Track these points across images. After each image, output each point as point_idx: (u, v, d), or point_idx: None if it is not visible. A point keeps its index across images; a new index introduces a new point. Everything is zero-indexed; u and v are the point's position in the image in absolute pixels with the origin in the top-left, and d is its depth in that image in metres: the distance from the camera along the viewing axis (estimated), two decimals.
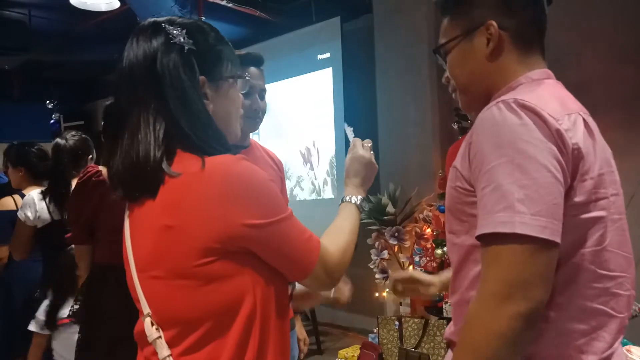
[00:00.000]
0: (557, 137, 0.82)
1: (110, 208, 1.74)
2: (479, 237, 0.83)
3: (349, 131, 1.45)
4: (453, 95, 1.10)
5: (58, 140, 2.60)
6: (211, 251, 0.85)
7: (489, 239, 0.82)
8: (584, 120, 0.90)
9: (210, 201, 0.85)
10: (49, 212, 2.54)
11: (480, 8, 0.98)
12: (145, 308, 0.90)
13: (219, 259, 0.86)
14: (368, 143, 1.31)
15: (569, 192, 0.84)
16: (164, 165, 0.88)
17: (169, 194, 0.88)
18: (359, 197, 1.21)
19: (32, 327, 2.41)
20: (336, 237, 1.06)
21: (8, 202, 2.76)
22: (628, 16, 3.14)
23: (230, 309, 0.87)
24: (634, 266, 0.95)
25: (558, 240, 0.79)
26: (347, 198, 1.21)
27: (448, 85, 1.10)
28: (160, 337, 0.88)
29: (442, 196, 3.36)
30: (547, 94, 0.91)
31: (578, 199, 0.84)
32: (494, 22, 0.96)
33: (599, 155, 0.89)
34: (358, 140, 1.33)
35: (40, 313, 2.38)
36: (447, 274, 1.31)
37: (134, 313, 1.66)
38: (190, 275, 0.86)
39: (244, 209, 0.86)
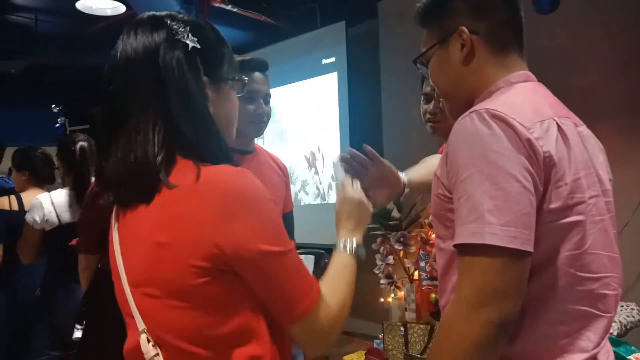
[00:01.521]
0: (527, 147, 0.83)
1: None
2: (456, 246, 0.85)
3: (339, 168, 1.30)
4: (440, 104, 1.13)
5: (81, 143, 2.59)
6: (206, 271, 0.78)
7: (462, 249, 0.84)
8: (558, 125, 0.90)
9: (204, 217, 0.78)
10: (57, 216, 2.55)
11: (451, 16, 1.02)
12: (140, 324, 0.84)
13: (215, 279, 0.79)
14: (357, 183, 1.21)
15: (543, 199, 0.85)
16: (162, 174, 0.81)
17: (163, 207, 0.81)
18: (354, 240, 1.09)
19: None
20: (334, 289, 0.92)
21: (3, 202, 2.77)
22: (633, 22, 3.12)
23: (233, 337, 0.81)
24: (620, 265, 0.97)
25: (529, 249, 0.81)
26: (341, 245, 1.07)
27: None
28: (158, 354, 0.82)
29: None
30: (522, 100, 0.93)
31: (554, 205, 0.85)
32: (464, 28, 0.99)
33: (575, 159, 0.90)
34: (347, 179, 1.23)
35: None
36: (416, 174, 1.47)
37: None
38: (187, 295, 0.79)
39: (242, 229, 0.78)
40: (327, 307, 0.87)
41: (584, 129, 1.01)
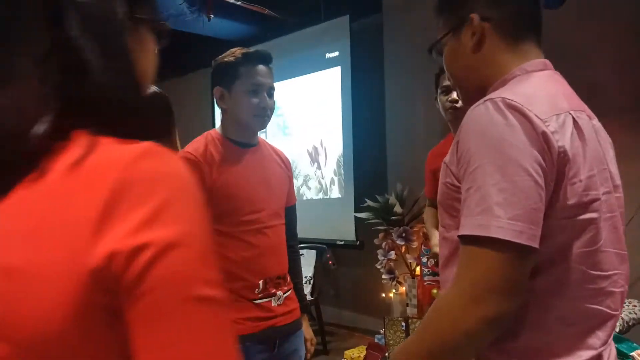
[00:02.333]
0: (542, 140, 0.82)
1: None
2: (459, 237, 0.84)
3: None
4: (454, 94, 1.11)
5: None
6: (78, 311, 0.47)
7: (467, 239, 0.83)
8: (574, 119, 0.89)
9: (80, 224, 0.47)
10: None
11: (464, 3, 1.01)
12: None
13: (89, 324, 0.48)
14: None
15: (555, 195, 0.84)
16: (36, 152, 0.49)
17: (24, 212, 0.49)
18: None
19: None
20: None
21: None
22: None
23: None
24: (627, 262, 0.96)
25: (534, 245, 0.79)
26: None
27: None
28: None
29: None
30: (538, 90, 0.91)
31: (570, 201, 0.84)
32: (476, 15, 0.98)
33: (589, 155, 0.89)
34: None
35: None
36: None
37: None
38: (57, 351, 0.48)
39: (144, 226, 0.47)
40: None
41: (596, 122, 1.00)
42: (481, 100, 0.88)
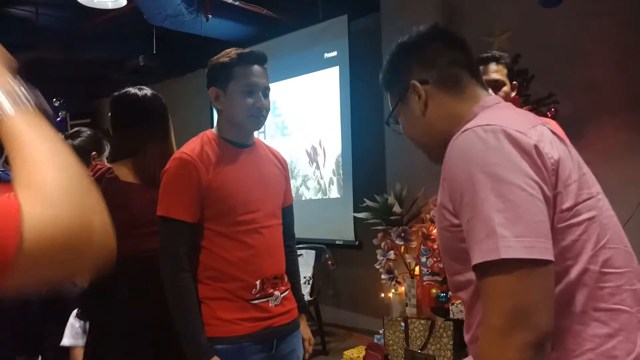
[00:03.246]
0: (533, 153, 0.82)
1: (124, 205, 1.73)
2: (474, 269, 0.82)
3: None
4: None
5: (73, 143, 2.51)
6: None
7: (482, 271, 0.81)
8: (549, 128, 0.91)
9: None
10: None
11: (402, 74, 1.08)
12: None
13: None
14: None
15: (556, 200, 0.84)
16: None
17: None
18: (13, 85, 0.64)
19: (66, 341, 2.21)
20: (40, 181, 0.51)
21: None
22: (637, 16, 3.10)
23: None
24: (635, 258, 0.95)
25: (549, 257, 0.78)
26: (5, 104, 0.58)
27: None
28: None
29: None
30: (505, 114, 0.94)
31: (566, 204, 0.84)
32: (414, 81, 1.04)
33: (576, 156, 0.91)
34: None
35: (71, 323, 2.21)
36: None
37: (149, 305, 1.67)
38: None
39: None
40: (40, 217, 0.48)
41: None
42: (458, 133, 0.89)
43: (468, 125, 0.89)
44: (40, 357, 2.74)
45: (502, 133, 0.83)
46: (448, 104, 1.03)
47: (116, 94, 1.86)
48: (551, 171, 0.83)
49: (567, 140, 0.93)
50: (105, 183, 1.75)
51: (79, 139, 2.48)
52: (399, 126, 1.14)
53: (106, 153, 2.55)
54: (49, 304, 2.53)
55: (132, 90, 1.85)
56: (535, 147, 0.82)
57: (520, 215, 0.78)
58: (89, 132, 2.53)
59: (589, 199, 0.87)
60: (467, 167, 0.84)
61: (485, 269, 0.80)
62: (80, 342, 2.20)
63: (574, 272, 0.84)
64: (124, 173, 1.75)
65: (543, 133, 0.88)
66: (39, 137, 0.54)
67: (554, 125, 1.02)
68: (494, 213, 0.78)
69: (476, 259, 0.80)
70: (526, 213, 0.78)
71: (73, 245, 0.50)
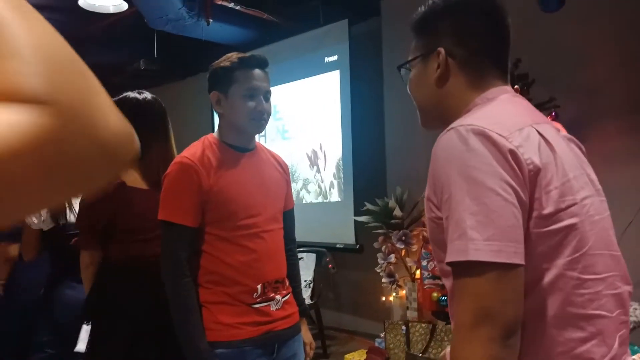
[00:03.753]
0: (509, 158, 0.83)
1: (130, 210, 1.74)
2: (449, 266, 0.85)
3: None
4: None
5: None
6: None
7: (454, 270, 0.84)
8: (538, 131, 0.91)
9: None
10: (52, 217, 2.55)
11: (434, 34, 1.05)
12: None
13: None
14: None
15: (532, 207, 0.84)
16: None
17: None
18: None
19: (82, 346, 2.10)
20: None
21: None
22: (638, 19, 3.10)
23: None
24: (623, 262, 0.96)
25: (517, 261, 0.80)
26: None
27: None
28: None
29: None
30: (499, 111, 0.94)
31: (546, 211, 0.85)
32: (442, 49, 1.02)
33: (562, 162, 0.90)
34: None
35: (86, 329, 2.20)
36: None
37: (153, 310, 1.67)
38: None
39: None
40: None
41: (565, 133, 1.03)
42: (445, 130, 0.90)
43: (455, 124, 0.90)
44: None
45: (481, 135, 0.84)
46: (462, 87, 1.02)
47: (115, 99, 1.87)
48: (528, 177, 0.84)
49: (555, 144, 0.91)
50: (112, 188, 1.75)
51: None
52: (408, 76, 1.12)
53: None
54: (37, 306, 2.55)
55: (132, 94, 1.86)
56: (511, 151, 0.83)
57: (493, 220, 0.80)
58: None
59: (572, 205, 0.87)
60: (447, 167, 0.86)
61: (457, 269, 0.83)
62: None
63: (548, 277, 0.85)
64: (131, 178, 1.76)
65: (529, 136, 0.88)
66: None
67: (554, 125, 1.01)
68: (467, 215, 0.80)
69: (448, 258, 0.83)
70: (499, 218, 0.80)
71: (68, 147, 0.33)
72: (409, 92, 1.11)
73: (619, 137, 3.14)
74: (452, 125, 0.90)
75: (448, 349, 1.01)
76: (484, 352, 0.78)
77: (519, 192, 0.83)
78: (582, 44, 3.24)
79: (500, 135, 0.84)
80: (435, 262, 1.03)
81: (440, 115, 1.04)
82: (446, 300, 3.10)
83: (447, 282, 0.98)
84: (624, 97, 3.14)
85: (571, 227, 0.87)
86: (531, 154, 0.85)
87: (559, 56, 3.28)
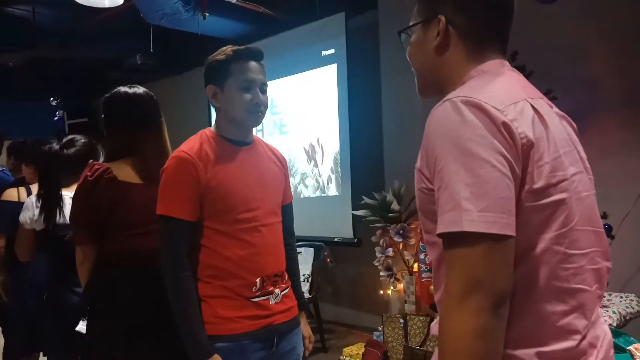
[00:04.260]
0: (503, 130, 0.84)
1: (123, 204, 1.73)
2: (439, 237, 0.85)
3: None
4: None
5: (54, 146, 2.50)
6: None
7: (445, 240, 0.84)
8: (532, 106, 0.91)
9: None
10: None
11: (436, 1, 1.03)
12: None
13: None
14: None
15: (524, 181, 0.85)
16: None
17: None
18: None
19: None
20: None
21: (11, 194, 2.77)
22: (636, 12, 3.10)
23: None
24: (605, 238, 0.98)
25: (510, 232, 0.81)
26: None
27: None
28: None
29: None
30: (493, 84, 0.94)
31: (537, 185, 0.86)
32: (443, 17, 1.00)
33: (554, 138, 0.91)
34: None
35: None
36: None
37: (149, 304, 1.67)
38: None
39: None
40: None
41: (558, 110, 1.03)
42: (440, 102, 0.90)
43: (450, 95, 0.90)
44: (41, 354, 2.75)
45: (477, 107, 0.84)
46: (461, 57, 1.01)
47: (107, 94, 1.86)
48: (521, 150, 0.85)
49: (547, 118, 0.92)
50: (104, 183, 1.74)
51: (74, 148, 2.47)
52: (408, 41, 1.11)
53: (102, 159, 2.55)
54: (42, 312, 2.54)
55: (123, 88, 1.85)
56: (505, 124, 0.84)
57: (487, 191, 0.80)
58: (83, 140, 2.53)
59: (563, 180, 0.88)
60: (442, 139, 0.86)
61: (448, 239, 0.83)
62: None
63: (536, 250, 0.87)
64: (123, 172, 1.75)
65: (523, 110, 0.88)
66: None
67: (547, 101, 1.01)
68: (462, 187, 0.81)
69: (440, 229, 0.83)
70: (493, 189, 0.80)
71: None
72: (407, 58, 1.11)
73: (616, 129, 3.15)
74: (447, 97, 0.90)
75: (437, 319, 1.02)
76: (474, 322, 0.79)
77: (513, 164, 0.83)
78: (580, 36, 3.24)
79: (495, 108, 0.85)
80: (422, 231, 1.03)
81: (436, 84, 1.04)
82: None
83: (433, 253, 0.98)
84: (622, 89, 3.15)
85: (560, 202, 0.88)
86: (525, 128, 0.86)
87: (556, 49, 3.28)
